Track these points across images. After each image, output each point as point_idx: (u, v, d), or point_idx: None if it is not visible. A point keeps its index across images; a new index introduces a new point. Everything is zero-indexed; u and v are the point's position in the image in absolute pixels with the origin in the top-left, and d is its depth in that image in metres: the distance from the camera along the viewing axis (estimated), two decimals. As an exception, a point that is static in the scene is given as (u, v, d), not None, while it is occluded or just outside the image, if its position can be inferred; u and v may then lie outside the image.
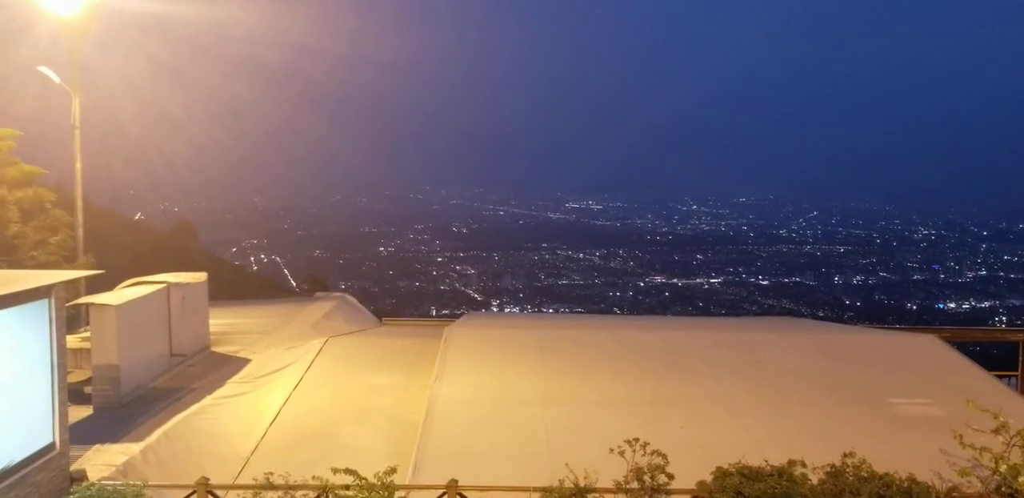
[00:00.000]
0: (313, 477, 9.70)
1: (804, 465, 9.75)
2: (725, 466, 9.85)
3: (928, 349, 17.05)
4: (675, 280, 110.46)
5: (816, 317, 46.53)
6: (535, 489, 9.80)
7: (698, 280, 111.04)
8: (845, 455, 9.97)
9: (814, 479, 9.66)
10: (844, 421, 13.08)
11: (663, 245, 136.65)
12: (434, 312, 79.49)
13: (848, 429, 12.59)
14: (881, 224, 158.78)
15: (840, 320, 48.28)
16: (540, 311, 79.88)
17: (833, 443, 10.84)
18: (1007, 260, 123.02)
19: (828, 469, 9.82)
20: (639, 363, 15.96)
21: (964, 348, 19.12)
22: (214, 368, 16.70)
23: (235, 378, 15.89)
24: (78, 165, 20.27)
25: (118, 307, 14.56)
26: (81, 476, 10.79)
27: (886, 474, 9.63)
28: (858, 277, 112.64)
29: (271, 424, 13.77)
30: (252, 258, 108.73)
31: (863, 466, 9.80)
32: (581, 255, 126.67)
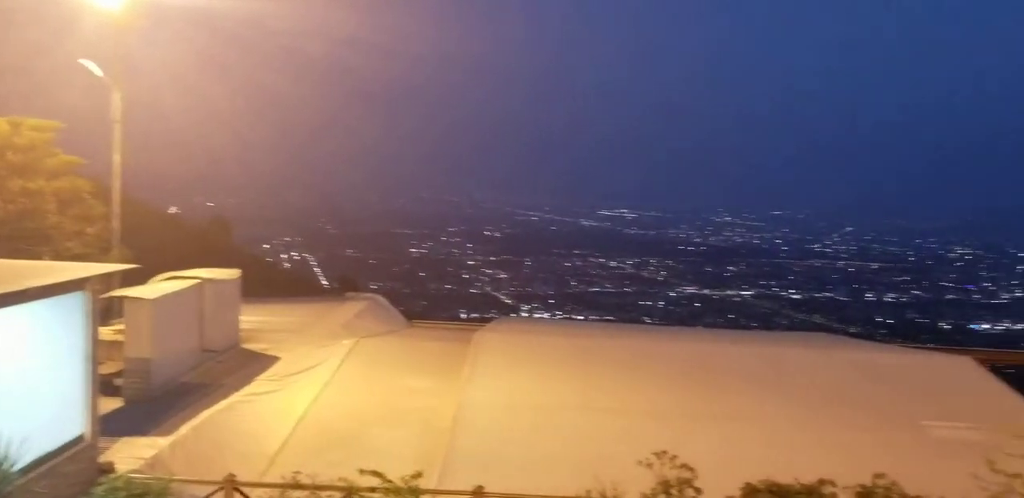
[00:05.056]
0: (339, 478, 9.69)
1: (834, 484, 9.57)
2: (754, 482, 9.71)
3: (962, 371, 16.82)
4: (706, 291, 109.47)
5: (848, 333, 45.88)
6: (561, 498, 9.72)
7: (729, 292, 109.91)
8: (876, 476, 9.77)
9: (844, 499, 9.49)
10: (876, 442, 12.89)
11: (695, 255, 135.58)
12: (464, 315, 79.42)
13: (879, 450, 12.38)
14: (917, 241, 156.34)
15: (872, 337, 47.58)
16: (570, 318, 79.40)
17: (864, 464, 10.61)
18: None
19: (858, 489, 9.64)
20: (670, 375, 15.85)
21: (998, 371, 18.79)
22: (244, 365, 16.83)
23: (264, 375, 16.00)
24: (116, 158, 20.56)
25: (153, 301, 14.71)
26: (109, 468, 10.87)
27: (917, 497, 9.44)
28: (891, 294, 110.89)
29: (299, 423, 13.82)
30: (283, 255, 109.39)
31: (894, 488, 9.60)
32: (613, 263, 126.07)
